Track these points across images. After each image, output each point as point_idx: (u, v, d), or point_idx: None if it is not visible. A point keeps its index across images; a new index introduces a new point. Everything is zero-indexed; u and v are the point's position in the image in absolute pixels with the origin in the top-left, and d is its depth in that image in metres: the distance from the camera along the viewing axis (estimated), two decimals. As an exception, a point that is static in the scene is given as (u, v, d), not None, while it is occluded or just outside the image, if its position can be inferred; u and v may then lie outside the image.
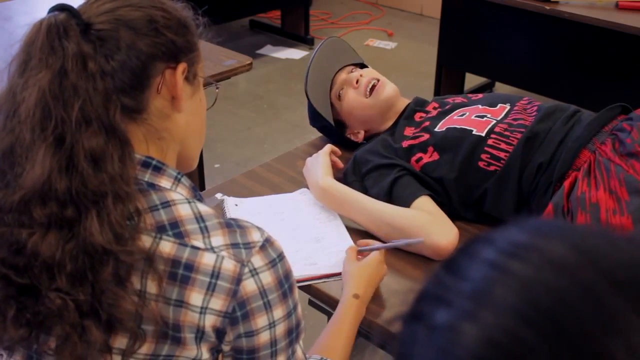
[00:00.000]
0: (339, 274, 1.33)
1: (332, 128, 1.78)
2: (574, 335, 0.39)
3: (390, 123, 1.71)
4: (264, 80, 4.17)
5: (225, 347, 0.93)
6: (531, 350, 0.39)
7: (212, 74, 2.14)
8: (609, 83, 2.73)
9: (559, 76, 2.89)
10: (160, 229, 0.87)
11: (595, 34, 2.67)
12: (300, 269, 1.35)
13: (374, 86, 1.70)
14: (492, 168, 1.45)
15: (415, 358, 0.43)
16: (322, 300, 1.34)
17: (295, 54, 4.55)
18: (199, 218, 0.89)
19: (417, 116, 1.66)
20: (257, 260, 0.90)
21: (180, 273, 0.87)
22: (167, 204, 0.89)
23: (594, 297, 0.40)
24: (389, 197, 1.47)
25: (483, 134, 1.49)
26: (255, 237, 0.91)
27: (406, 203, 1.44)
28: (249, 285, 0.89)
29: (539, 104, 1.57)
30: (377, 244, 1.35)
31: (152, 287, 0.86)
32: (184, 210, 0.89)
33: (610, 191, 1.30)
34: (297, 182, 1.67)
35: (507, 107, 1.57)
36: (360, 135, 1.75)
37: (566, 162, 1.39)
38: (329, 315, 2.07)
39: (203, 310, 0.88)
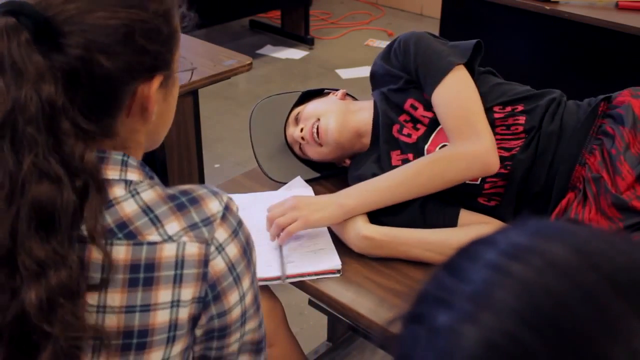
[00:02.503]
0: (316, 272, 1.34)
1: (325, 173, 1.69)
2: (574, 339, 0.39)
3: (367, 140, 1.60)
4: (264, 80, 4.16)
5: (198, 332, 0.88)
6: (531, 353, 0.39)
7: (212, 74, 2.14)
8: (609, 83, 2.72)
9: (559, 76, 2.89)
10: (109, 234, 0.79)
11: (595, 34, 2.67)
12: (278, 268, 1.34)
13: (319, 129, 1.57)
14: (492, 203, 1.44)
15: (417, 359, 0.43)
16: (322, 300, 1.34)
17: (295, 54, 4.55)
18: (147, 209, 0.81)
19: (395, 130, 1.51)
20: (221, 234, 0.84)
21: (142, 277, 0.80)
22: (110, 204, 0.81)
23: (595, 300, 0.40)
24: (427, 226, 1.41)
25: (478, 182, 1.42)
26: (214, 207, 0.85)
27: (452, 223, 1.41)
28: (218, 265, 0.84)
29: (520, 121, 1.43)
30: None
31: (114, 300, 0.80)
32: (129, 208, 0.81)
33: (602, 211, 1.29)
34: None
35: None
36: (348, 161, 1.65)
37: (560, 188, 1.38)
38: (329, 315, 2.08)
39: (175, 303, 0.82)
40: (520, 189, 1.42)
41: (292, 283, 1.36)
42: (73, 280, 0.75)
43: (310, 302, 2.07)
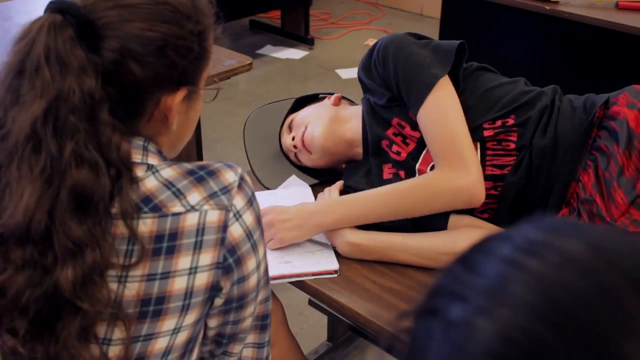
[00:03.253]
0: (314, 273, 1.34)
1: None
2: (592, 335, 0.39)
3: (360, 149, 1.56)
4: (264, 80, 4.16)
5: (219, 301, 0.92)
6: (548, 348, 0.39)
7: (212, 74, 2.13)
8: (609, 83, 2.72)
9: (559, 76, 2.89)
10: (135, 209, 0.84)
11: (595, 34, 2.67)
12: (275, 267, 1.34)
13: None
14: (486, 215, 1.43)
15: (430, 353, 0.43)
16: (322, 300, 1.34)
17: (295, 54, 4.55)
18: (168, 184, 0.87)
19: (384, 144, 1.49)
20: (239, 201, 0.89)
21: (165, 246, 0.85)
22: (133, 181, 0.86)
23: (613, 297, 0.40)
24: (417, 228, 1.39)
25: None
26: (230, 177, 0.90)
27: (442, 226, 1.39)
28: (236, 231, 0.89)
29: (511, 138, 1.39)
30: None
31: (136, 270, 0.84)
32: (150, 184, 0.86)
33: None
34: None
35: (478, 149, 1.40)
36: (344, 165, 1.63)
37: (555, 203, 1.36)
38: (329, 315, 2.08)
39: (193, 270, 0.86)
40: (513, 205, 1.40)
41: (291, 283, 1.36)
42: (106, 260, 0.80)
43: (310, 302, 2.07)
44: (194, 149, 2.52)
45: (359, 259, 1.38)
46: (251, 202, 0.91)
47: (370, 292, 1.31)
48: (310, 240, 1.42)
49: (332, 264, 1.36)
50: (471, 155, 1.33)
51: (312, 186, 1.61)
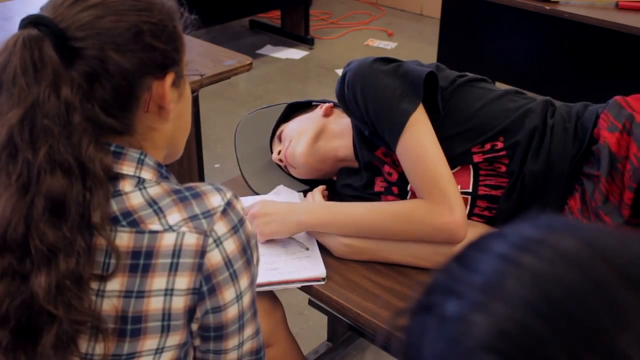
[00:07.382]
0: (300, 280, 1.33)
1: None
2: (585, 329, 0.39)
3: (355, 164, 1.54)
4: (264, 80, 4.17)
5: (194, 326, 0.91)
6: (542, 342, 0.39)
7: (212, 74, 2.14)
8: (609, 83, 2.73)
9: (559, 76, 2.89)
10: (113, 220, 0.84)
11: (595, 34, 2.67)
12: (261, 274, 1.33)
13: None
14: (483, 221, 1.42)
15: (425, 348, 0.44)
16: (322, 300, 1.34)
17: (295, 54, 4.55)
18: (151, 202, 0.86)
19: (376, 163, 1.49)
20: (220, 227, 0.87)
21: (141, 263, 0.84)
22: (117, 193, 0.86)
23: (606, 292, 0.40)
24: None
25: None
26: (215, 202, 0.88)
27: None
28: (214, 257, 0.87)
29: (503, 161, 1.38)
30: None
31: (114, 285, 0.84)
32: (135, 200, 0.86)
33: None
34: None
35: (471, 171, 1.40)
36: (335, 178, 1.62)
37: None
38: (329, 315, 2.08)
39: (168, 292, 0.85)
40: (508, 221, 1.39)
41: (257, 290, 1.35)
42: (80, 266, 0.80)
43: (310, 302, 2.07)
44: (194, 149, 2.53)
45: (353, 259, 1.38)
46: (236, 229, 0.88)
47: (370, 292, 1.31)
48: (298, 246, 1.41)
49: (319, 270, 1.34)
50: (455, 193, 1.30)
51: (303, 192, 1.60)
